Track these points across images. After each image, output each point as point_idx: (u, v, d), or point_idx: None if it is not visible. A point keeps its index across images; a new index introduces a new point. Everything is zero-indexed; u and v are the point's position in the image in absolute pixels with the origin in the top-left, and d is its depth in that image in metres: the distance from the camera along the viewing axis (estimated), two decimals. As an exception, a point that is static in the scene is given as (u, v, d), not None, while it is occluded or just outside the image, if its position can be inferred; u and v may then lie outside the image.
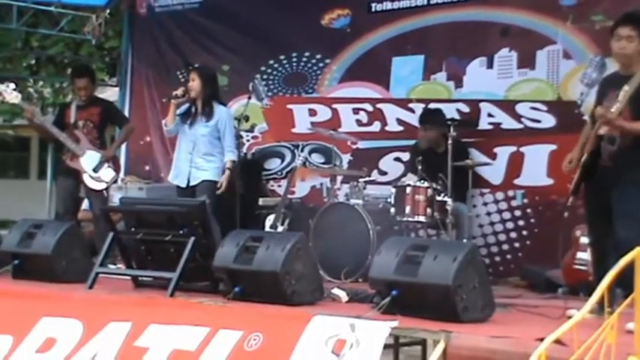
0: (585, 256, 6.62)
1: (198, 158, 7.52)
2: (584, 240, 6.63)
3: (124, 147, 9.73)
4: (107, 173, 7.98)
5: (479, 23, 8.23)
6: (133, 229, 6.44)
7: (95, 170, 7.92)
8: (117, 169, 8.17)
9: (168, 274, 5.94)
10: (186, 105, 7.64)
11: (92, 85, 8.23)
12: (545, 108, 7.81)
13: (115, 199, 8.08)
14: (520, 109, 7.93)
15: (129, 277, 6.56)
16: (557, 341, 3.85)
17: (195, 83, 7.54)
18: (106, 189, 8.01)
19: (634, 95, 5.21)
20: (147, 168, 10.12)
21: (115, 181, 8.24)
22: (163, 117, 8.13)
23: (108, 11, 10.82)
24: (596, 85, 5.66)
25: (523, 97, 7.94)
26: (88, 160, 7.94)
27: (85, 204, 8.68)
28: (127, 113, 10.00)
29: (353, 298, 5.87)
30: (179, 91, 7.58)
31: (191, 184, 7.52)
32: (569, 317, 4.15)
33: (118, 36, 11.86)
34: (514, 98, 7.99)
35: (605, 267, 4.55)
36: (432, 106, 8.27)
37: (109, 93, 12.28)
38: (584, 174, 5.43)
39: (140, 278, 6.50)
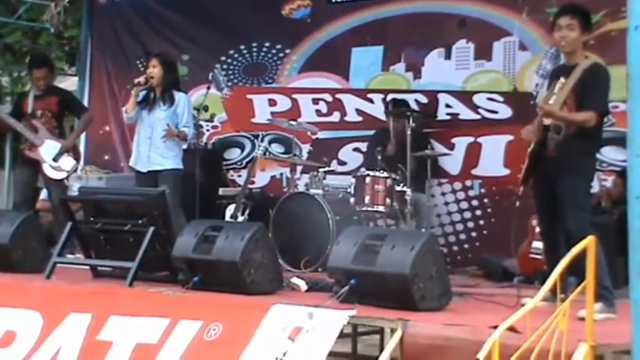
0: (541, 245, 6.72)
1: (157, 142, 7.49)
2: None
3: (83, 136, 9.68)
4: (67, 162, 7.95)
5: (437, 15, 8.32)
6: (92, 219, 6.42)
7: (55, 159, 7.88)
8: (77, 158, 8.12)
9: (127, 264, 5.93)
10: (145, 91, 7.61)
11: (50, 74, 8.17)
12: (501, 99, 7.91)
13: (75, 188, 8.04)
14: (477, 99, 8.02)
15: (87, 267, 6.54)
16: (511, 328, 3.92)
17: (156, 70, 7.52)
18: (67, 178, 7.98)
19: (576, 86, 5.29)
20: (106, 157, 10.08)
21: (75, 170, 8.20)
22: (123, 106, 8.10)
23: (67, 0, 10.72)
24: (550, 76, 5.77)
25: (480, 88, 8.04)
26: (48, 149, 7.90)
27: (44, 194, 8.65)
28: (86, 102, 9.94)
29: (312, 288, 5.91)
30: (141, 79, 7.55)
31: (150, 169, 7.50)
32: (524, 306, 4.22)
33: (78, 25, 11.74)
34: (471, 89, 8.08)
35: (557, 255, 4.65)
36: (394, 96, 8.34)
37: (69, 82, 12.18)
38: (533, 164, 5.49)
39: (99, 268, 6.48)
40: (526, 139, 5.58)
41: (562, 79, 5.33)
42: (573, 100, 5.31)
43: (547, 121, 5.38)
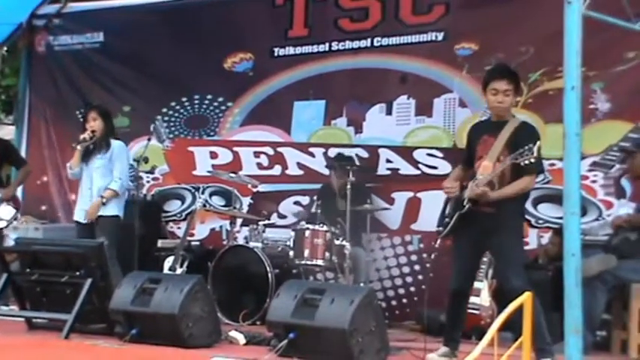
0: (478, 300, 6.80)
1: (96, 192, 7.42)
2: (477, 285, 6.79)
3: (20, 187, 9.54)
4: (7, 211, 7.85)
5: (379, 70, 8.41)
6: (28, 270, 6.33)
7: (-7, 209, 7.78)
8: (17, 207, 8.02)
9: (64, 316, 5.85)
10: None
11: (-12, 123, 8.10)
12: (441, 155, 8.00)
13: (11, 239, 7.92)
14: (417, 155, 8.10)
15: (22, 319, 6.42)
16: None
17: (97, 122, 7.48)
18: (7, 226, 7.87)
19: (509, 142, 5.32)
20: (43, 208, 9.92)
21: (16, 219, 8.08)
22: (62, 156, 8.02)
23: (5, 48, 10.63)
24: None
25: (420, 143, 8.12)
26: (-15, 199, 7.79)
27: (-21, 244, 8.48)
28: (23, 152, 9.81)
29: (250, 341, 5.89)
30: (86, 135, 7.49)
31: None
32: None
33: (15, 74, 11.65)
34: (412, 144, 8.17)
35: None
36: (335, 151, 8.39)
37: (5, 131, 12.05)
38: (462, 220, 5.49)
39: (34, 320, 6.38)
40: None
41: (486, 136, 5.40)
42: (507, 156, 5.32)
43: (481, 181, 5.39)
